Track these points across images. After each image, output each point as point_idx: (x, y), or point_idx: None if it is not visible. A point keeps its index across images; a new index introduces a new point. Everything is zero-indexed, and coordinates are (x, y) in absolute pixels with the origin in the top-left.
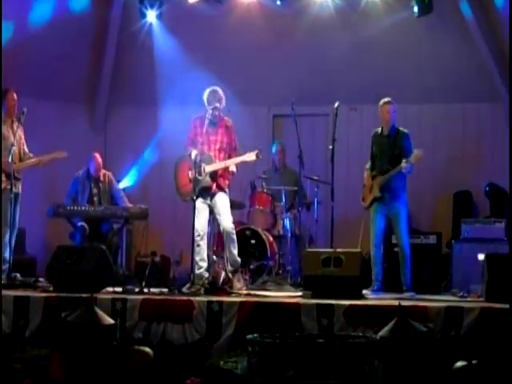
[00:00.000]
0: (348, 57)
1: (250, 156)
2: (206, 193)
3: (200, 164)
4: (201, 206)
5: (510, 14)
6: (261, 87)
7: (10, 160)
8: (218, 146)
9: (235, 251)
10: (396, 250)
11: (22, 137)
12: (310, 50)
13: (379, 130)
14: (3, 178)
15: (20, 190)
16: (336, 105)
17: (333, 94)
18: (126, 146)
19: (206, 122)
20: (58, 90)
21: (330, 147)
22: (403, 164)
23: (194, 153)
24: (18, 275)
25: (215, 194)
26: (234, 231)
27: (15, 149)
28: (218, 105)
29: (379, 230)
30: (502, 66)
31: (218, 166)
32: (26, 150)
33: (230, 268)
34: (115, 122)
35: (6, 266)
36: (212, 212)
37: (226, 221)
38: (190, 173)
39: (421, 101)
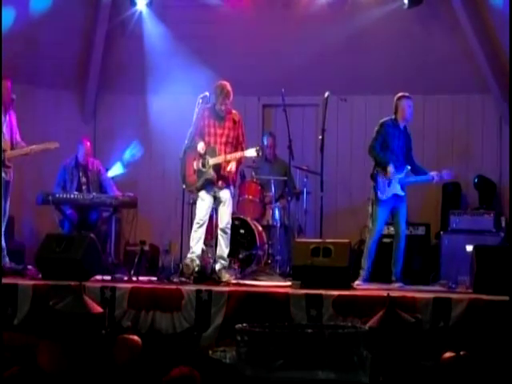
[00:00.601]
0: (338, 47)
1: (251, 152)
2: (210, 185)
3: (205, 156)
4: (205, 195)
5: (510, 13)
6: (250, 77)
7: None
8: (224, 140)
9: (226, 250)
10: (385, 240)
11: (15, 125)
12: (301, 40)
13: (394, 122)
14: None
15: (11, 178)
16: (326, 95)
17: (323, 85)
18: (115, 134)
19: (210, 112)
20: (48, 77)
21: (320, 137)
22: (436, 178)
23: (200, 145)
24: (7, 259)
25: (221, 189)
26: (229, 230)
27: (6, 137)
28: (227, 101)
29: (384, 222)
30: (491, 57)
31: (220, 159)
32: (19, 138)
33: (216, 265)
34: (104, 110)
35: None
36: (214, 202)
37: (225, 216)
38: (194, 164)
39: (410, 91)
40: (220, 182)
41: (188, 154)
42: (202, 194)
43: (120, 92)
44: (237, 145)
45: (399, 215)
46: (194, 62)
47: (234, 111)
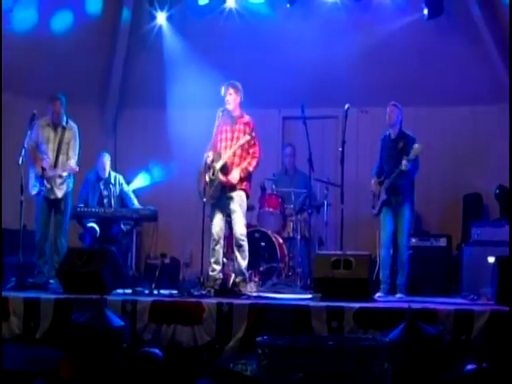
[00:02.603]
0: (358, 59)
1: (244, 138)
2: (225, 192)
3: (212, 165)
4: (218, 208)
5: (510, 14)
6: (271, 89)
7: (44, 165)
8: (235, 142)
9: (243, 263)
10: (410, 252)
11: (65, 142)
12: (321, 52)
13: (387, 133)
14: (35, 182)
15: (56, 196)
16: (346, 107)
17: (343, 97)
18: (136, 147)
19: (222, 118)
20: (68, 91)
21: (340, 149)
22: (403, 162)
23: (205, 155)
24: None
25: (232, 196)
26: (245, 238)
27: (50, 155)
28: (229, 100)
29: (388, 232)
30: (510, 68)
31: (225, 157)
32: (71, 155)
33: (235, 278)
34: (125, 123)
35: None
36: (228, 215)
37: (237, 226)
38: (206, 176)
39: (430, 103)
40: (228, 188)
41: (201, 169)
42: (216, 208)
43: (140, 106)
44: (248, 148)
45: (399, 225)
46: (214, 75)
47: (246, 115)
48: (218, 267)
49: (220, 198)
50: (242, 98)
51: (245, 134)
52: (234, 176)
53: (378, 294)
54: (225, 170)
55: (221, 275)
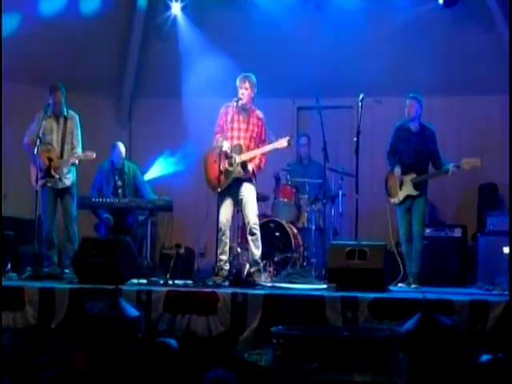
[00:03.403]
0: (373, 49)
1: (282, 143)
2: (236, 183)
3: (231, 155)
4: (226, 199)
5: (510, 15)
6: (285, 79)
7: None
8: (248, 135)
9: (257, 252)
10: (425, 242)
11: (69, 132)
12: (335, 42)
13: (404, 124)
14: (41, 175)
15: (64, 185)
16: (360, 97)
17: (357, 86)
18: (151, 137)
19: (234, 109)
20: (84, 81)
21: (355, 139)
22: (452, 168)
23: (226, 144)
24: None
25: (243, 186)
26: (258, 227)
27: (55, 145)
28: (241, 96)
29: (406, 227)
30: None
31: (249, 155)
32: (75, 144)
33: (250, 268)
34: (140, 113)
35: (48, 263)
36: (238, 204)
37: (252, 217)
38: (221, 164)
39: (445, 92)
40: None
41: (209, 155)
42: (224, 198)
43: (155, 96)
44: (259, 143)
45: (412, 216)
46: (228, 65)
47: (257, 110)
48: (224, 257)
49: (229, 186)
50: (255, 92)
51: (258, 127)
52: (249, 170)
53: (402, 285)
54: (244, 164)
55: (228, 265)
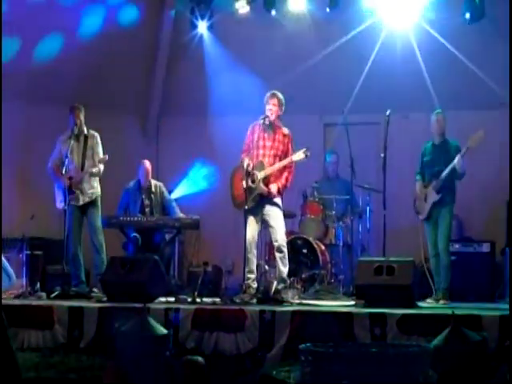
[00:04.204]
0: (399, 64)
1: (299, 155)
2: (261, 201)
3: (253, 172)
4: (251, 217)
5: (510, 16)
6: (312, 96)
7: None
8: (273, 152)
9: (284, 269)
10: (453, 258)
11: (89, 148)
12: (361, 58)
13: (430, 142)
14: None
15: (85, 200)
16: (387, 113)
17: (384, 102)
18: (178, 156)
19: (261, 126)
20: (110, 100)
21: (382, 155)
22: (456, 158)
23: (245, 161)
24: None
25: (269, 203)
26: (286, 245)
27: (76, 164)
28: (269, 113)
29: (433, 241)
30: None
31: (269, 170)
32: (96, 160)
33: (277, 285)
34: (167, 132)
35: (76, 282)
36: (264, 222)
37: (279, 234)
38: (243, 182)
39: (473, 107)
40: (268, 193)
41: (235, 174)
42: (250, 216)
43: (182, 114)
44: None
45: (438, 229)
46: (254, 83)
47: (284, 127)
48: (252, 276)
49: (255, 204)
50: (282, 112)
51: (284, 145)
52: (274, 189)
53: (428, 301)
54: (266, 180)
55: (255, 283)
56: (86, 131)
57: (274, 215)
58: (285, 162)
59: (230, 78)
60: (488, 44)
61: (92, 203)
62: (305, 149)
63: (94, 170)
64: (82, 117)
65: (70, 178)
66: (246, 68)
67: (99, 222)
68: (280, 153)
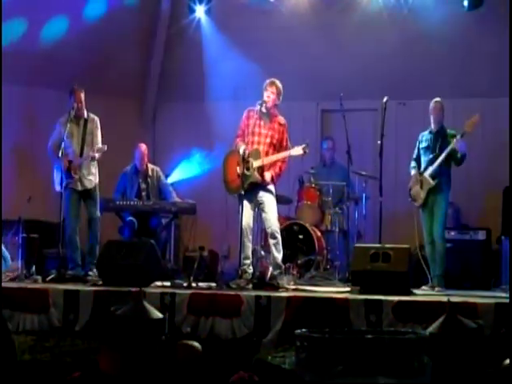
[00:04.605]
0: (397, 51)
1: (297, 150)
2: (255, 188)
3: (248, 159)
4: (246, 203)
5: (510, 15)
6: (309, 82)
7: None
8: (268, 140)
9: (279, 255)
10: (448, 245)
11: (89, 133)
12: (359, 45)
13: (427, 130)
14: (63, 177)
15: (85, 187)
16: (385, 100)
17: (381, 89)
18: (175, 141)
19: (257, 113)
20: (107, 85)
21: (379, 142)
22: (456, 137)
23: (242, 148)
24: (94, 271)
25: (262, 190)
26: (279, 231)
27: (75, 148)
28: (267, 99)
29: (429, 228)
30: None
31: (266, 161)
32: (95, 143)
33: (273, 271)
34: (164, 117)
35: (73, 265)
36: (258, 208)
37: (272, 221)
38: (238, 168)
39: (469, 95)
40: (261, 180)
41: (228, 158)
42: (245, 202)
43: (179, 99)
44: (279, 149)
45: (434, 216)
46: (252, 68)
47: (280, 116)
48: (247, 261)
49: (248, 191)
50: (280, 101)
51: (279, 133)
52: (268, 178)
53: (425, 288)
54: (261, 169)
55: (251, 268)
56: (86, 115)
57: (268, 202)
58: (283, 154)
59: (227, 63)
60: (486, 32)
61: (90, 192)
62: (304, 145)
63: (91, 154)
64: (82, 99)
65: (70, 162)
66: (243, 53)
67: (96, 214)
68: (275, 141)
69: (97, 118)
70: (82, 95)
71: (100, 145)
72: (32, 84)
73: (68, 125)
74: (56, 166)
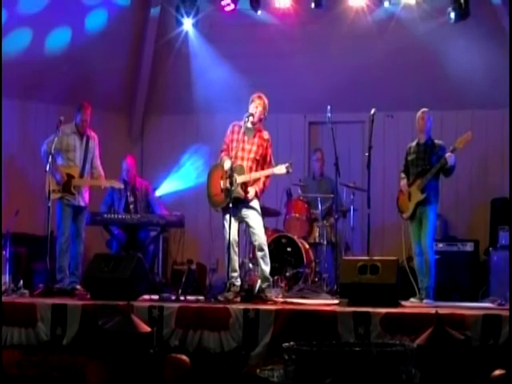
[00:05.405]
0: (384, 63)
1: (281, 169)
2: (238, 203)
3: (232, 174)
4: (230, 217)
5: (510, 17)
6: (297, 95)
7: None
8: (252, 156)
9: (266, 268)
10: (437, 257)
11: (91, 151)
12: (346, 57)
13: (414, 142)
14: (57, 188)
15: (81, 203)
16: (372, 112)
17: (369, 101)
18: (163, 154)
19: (242, 128)
20: (95, 98)
21: (367, 154)
22: (447, 154)
23: (227, 163)
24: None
25: (245, 206)
26: (266, 244)
27: (77, 162)
28: (254, 111)
29: (418, 239)
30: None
31: (249, 177)
32: (96, 164)
33: (261, 284)
34: (152, 130)
35: (62, 275)
36: (242, 223)
37: (259, 234)
38: (221, 182)
39: (458, 107)
40: (245, 196)
41: (212, 172)
42: (227, 216)
43: (167, 112)
44: (263, 164)
45: (422, 228)
46: (240, 81)
47: (264, 131)
48: (235, 274)
49: (232, 205)
50: (266, 115)
51: (263, 149)
52: (252, 194)
53: (414, 300)
54: (244, 185)
55: (239, 281)
56: (88, 132)
57: (252, 217)
58: (265, 172)
59: (215, 75)
60: (472, 44)
61: (83, 210)
62: (288, 164)
63: (104, 185)
64: (88, 116)
65: (71, 176)
66: (231, 66)
67: (83, 233)
68: (259, 157)
69: (96, 137)
70: (90, 112)
71: (101, 172)
72: (21, 98)
73: (72, 136)
74: (51, 172)
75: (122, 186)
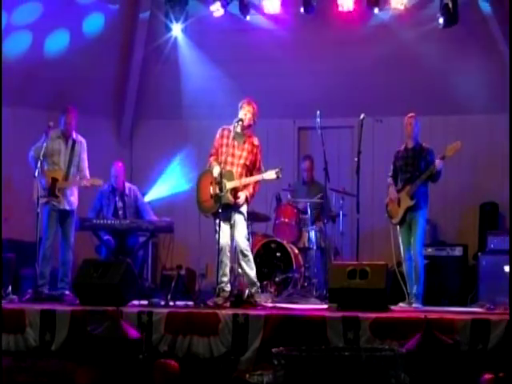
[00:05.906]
0: (374, 69)
1: (270, 175)
2: (227, 209)
3: (221, 180)
4: (221, 222)
5: (510, 17)
6: (286, 100)
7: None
8: (242, 162)
9: (252, 273)
10: (426, 262)
11: (77, 155)
12: (336, 62)
13: (402, 146)
14: (43, 193)
15: (67, 207)
16: (361, 117)
17: (358, 106)
18: (152, 159)
19: (232, 133)
20: (84, 103)
21: (356, 159)
22: (436, 161)
23: (216, 169)
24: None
25: (234, 211)
26: (249, 248)
27: (62, 166)
28: (243, 117)
29: (407, 244)
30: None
31: (238, 183)
32: (82, 167)
33: (250, 288)
34: (141, 135)
35: (44, 281)
36: (231, 227)
37: (240, 239)
38: (211, 188)
39: (446, 112)
40: (234, 202)
41: (202, 178)
42: (220, 221)
43: (156, 117)
44: (253, 170)
45: (412, 233)
46: (229, 86)
47: (254, 137)
48: (225, 278)
49: (222, 211)
50: (255, 121)
51: (253, 155)
52: (242, 198)
53: (402, 305)
54: (233, 191)
55: (229, 287)
56: (74, 135)
57: (237, 222)
58: (255, 178)
59: (204, 81)
60: (461, 49)
61: (70, 214)
62: (277, 169)
63: (83, 183)
64: (73, 119)
65: (55, 180)
66: (220, 71)
67: (72, 237)
68: (249, 163)
69: (84, 141)
70: (74, 116)
71: (88, 175)
72: (9, 104)
73: (57, 141)
74: (38, 177)
75: (102, 183)
